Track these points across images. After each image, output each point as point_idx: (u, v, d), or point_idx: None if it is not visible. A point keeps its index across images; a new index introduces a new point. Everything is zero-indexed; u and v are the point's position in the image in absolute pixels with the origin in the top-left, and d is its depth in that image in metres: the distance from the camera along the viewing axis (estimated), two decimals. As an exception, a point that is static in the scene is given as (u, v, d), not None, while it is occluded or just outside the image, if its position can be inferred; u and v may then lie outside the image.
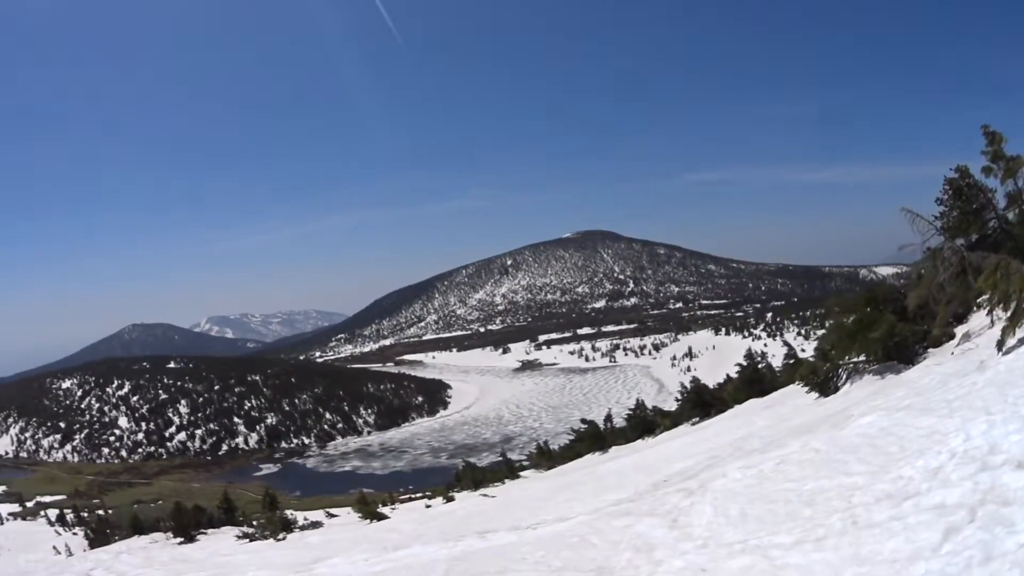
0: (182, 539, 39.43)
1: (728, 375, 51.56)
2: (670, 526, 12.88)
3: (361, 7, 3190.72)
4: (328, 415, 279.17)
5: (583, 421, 51.31)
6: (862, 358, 23.46)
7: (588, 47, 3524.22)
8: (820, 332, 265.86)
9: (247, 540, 34.02)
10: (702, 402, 40.53)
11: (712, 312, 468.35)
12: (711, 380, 49.59)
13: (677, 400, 48.69)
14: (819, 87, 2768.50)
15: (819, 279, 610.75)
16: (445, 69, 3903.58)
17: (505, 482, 43.97)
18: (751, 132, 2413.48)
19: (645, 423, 46.21)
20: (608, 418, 53.62)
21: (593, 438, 47.42)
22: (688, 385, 43.88)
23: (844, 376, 23.94)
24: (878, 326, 22.17)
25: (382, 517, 33.18)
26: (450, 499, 37.77)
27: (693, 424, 37.10)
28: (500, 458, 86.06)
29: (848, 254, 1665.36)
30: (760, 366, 44.74)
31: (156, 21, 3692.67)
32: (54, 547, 72.33)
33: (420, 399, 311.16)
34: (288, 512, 49.58)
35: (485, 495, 31.83)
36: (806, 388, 25.48)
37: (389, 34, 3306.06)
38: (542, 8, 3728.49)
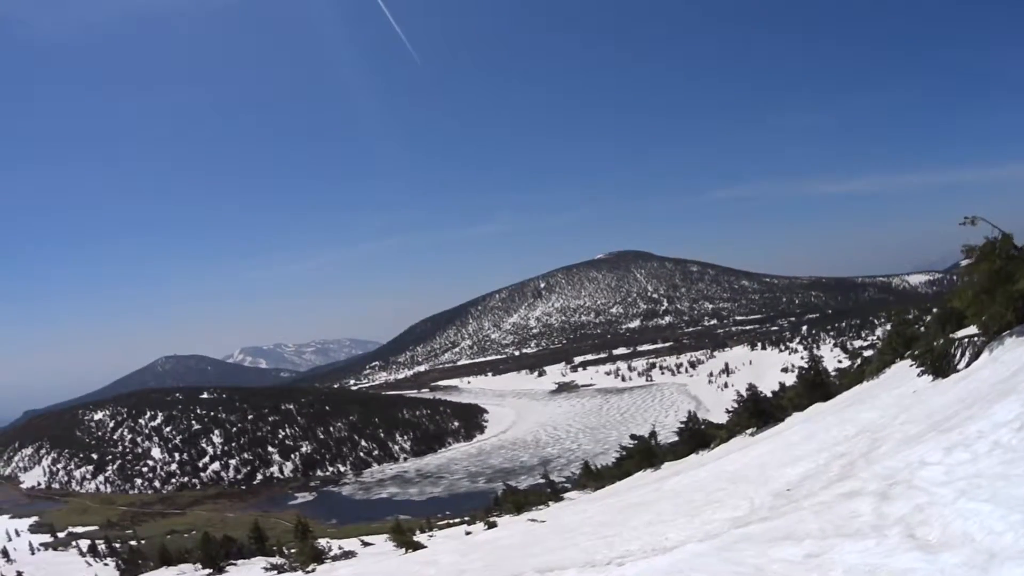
0: (211, 570, 37.78)
1: (782, 385, 49.02)
2: (909, 546, 8.86)
3: (377, 29, 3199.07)
4: (363, 442, 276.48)
5: (632, 437, 48.34)
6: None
7: (612, 63, 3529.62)
8: (857, 343, 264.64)
9: (275, 572, 32.06)
10: (759, 411, 37.67)
11: (747, 328, 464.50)
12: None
13: (727, 412, 45.85)
14: (837, 95, 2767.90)
15: (852, 290, 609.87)
16: (466, 89, 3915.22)
17: (550, 505, 41.34)
18: (773, 145, 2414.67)
19: (698, 436, 43.51)
20: (652, 435, 50.93)
21: (643, 454, 44.48)
22: (744, 394, 40.90)
23: (960, 352, 21.41)
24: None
25: (418, 546, 30.63)
26: (492, 524, 35.18)
27: (751, 435, 34.16)
28: (542, 480, 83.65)
29: (878, 264, 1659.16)
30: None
31: (186, 49, 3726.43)
32: (83, 577, 70.75)
33: (456, 424, 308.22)
34: (322, 541, 47.47)
35: (533, 520, 28.97)
36: (919, 369, 22.59)
37: (407, 55, 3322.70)
38: (565, 26, 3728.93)
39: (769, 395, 42.16)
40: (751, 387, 40.41)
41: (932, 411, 16.48)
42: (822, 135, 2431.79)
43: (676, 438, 51.08)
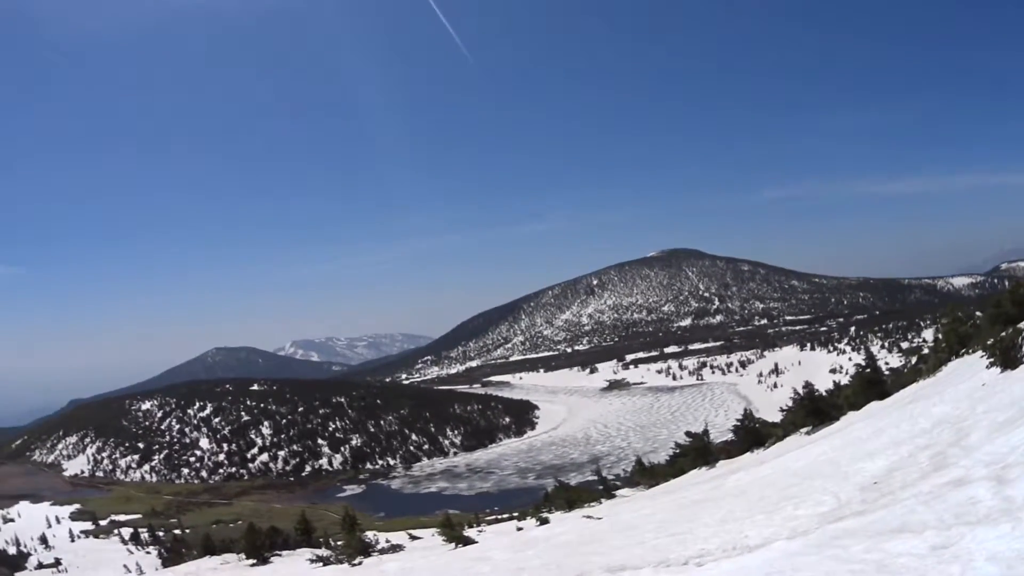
0: (255, 561, 36.93)
1: (836, 384, 47.91)
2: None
3: (428, 27, 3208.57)
4: (414, 436, 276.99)
5: (687, 434, 47.30)
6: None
7: (665, 61, 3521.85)
8: (904, 345, 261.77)
9: (320, 564, 31.21)
10: (815, 409, 36.54)
11: (796, 328, 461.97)
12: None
13: (781, 411, 44.78)
14: (886, 95, 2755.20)
15: (899, 292, 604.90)
16: (520, 87, 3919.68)
17: (602, 502, 40.44)
18: (823, 145, 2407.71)
19: (754, 434, 42.44)
20: (705, 433, 49.92)
21: (698, 452, 43.46)
22: (799, 392, 39.77)
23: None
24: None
25: (469, 541, 29.69)
26: (544, 521, 34.30)
27: (807, 434, 33.07)
28: (592, 477, 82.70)
29: (923, 266, 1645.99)
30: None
31: (241, 44, 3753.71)
32: (124, 566, 70.36)
33: (507, 420, 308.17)
34: (370, 534, 46.72)
35: (588, 516, 28.01)
36: (988, 361, 21.85)
37: (458, 52, 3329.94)
38: (617, 23, 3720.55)
39: (824, 394, 41.00)
40: (807, 385, 39.31)
41: (1016, 398, 15.80)
42: (871, 135, 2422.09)
43: (727, 437, 50.23)
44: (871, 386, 34.57)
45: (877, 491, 13.17)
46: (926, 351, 65.72)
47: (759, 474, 22.91)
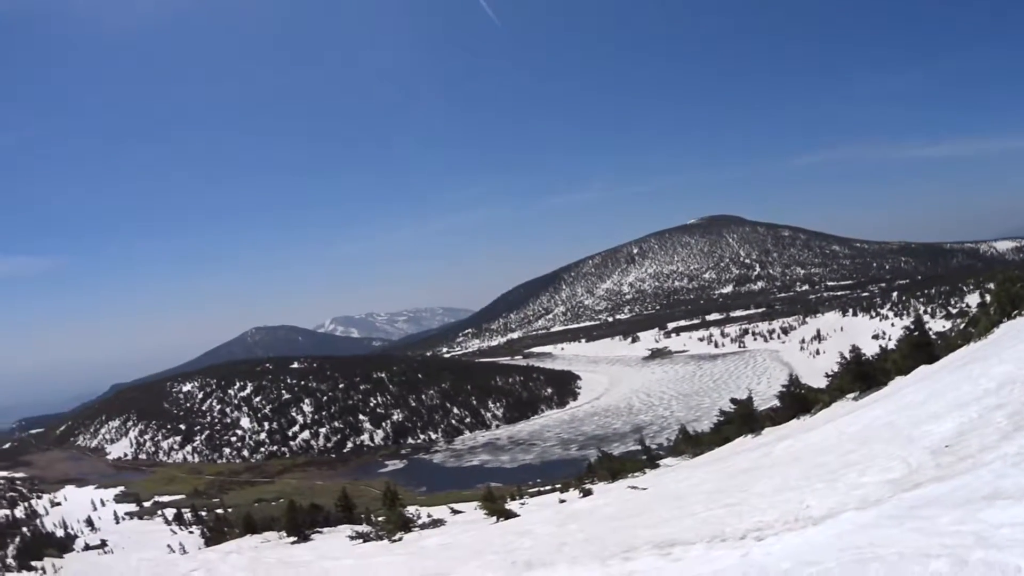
0: (295, 539, 36.60)
1: (883, 348, 46.87)
2: None
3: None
4: (456, 410, 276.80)
5: (732, 401, 46.44)
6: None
7: (703, 26, 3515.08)
8: (949, 310, 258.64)
9: (360, 540, 30.80)
10: (862, 374, 35.53)
11: (838, 293, 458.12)
12: (838, 363, 44.76)
13: (827, 376, 43.77)
14: (926, 56, 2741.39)
15: (940, 256, 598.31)
16: (551, 55, 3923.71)
17: (646, 472, 39.53)
18: (863, 108, 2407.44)
19: (800, 401, 41.49)
20: (749, 400, 48.98)
21: (743, 419, 42.57)
22: (846, 356, 38.71)
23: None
24: None
25: (510, 515, 29.05)
26: (587, 492, 33.59)
27: (855, 399, 32.12)
28: (635, 447, 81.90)
29: (966, 230, 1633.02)
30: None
31: (271, 33, 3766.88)
32: (168, 546, 70.37)
33: (549, 391, 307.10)
34: (411, 508, 46.82)
35: (633, 487, 27.19)
36: None
37: (487, 20, 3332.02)
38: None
39: (871, 358, 39.95)
40: (854, 349, 38.27)
41: None
42: (911, 97, 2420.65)
43: (771, 405, 49.34)
44: (920, 349, 33.54)
45: (952, 455, 12.08)
46: (975, 314, 64.64)
47: (810, 440, 21.95)
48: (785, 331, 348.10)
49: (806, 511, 12.20)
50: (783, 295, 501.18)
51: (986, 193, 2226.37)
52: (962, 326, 58.51)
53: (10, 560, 59.97)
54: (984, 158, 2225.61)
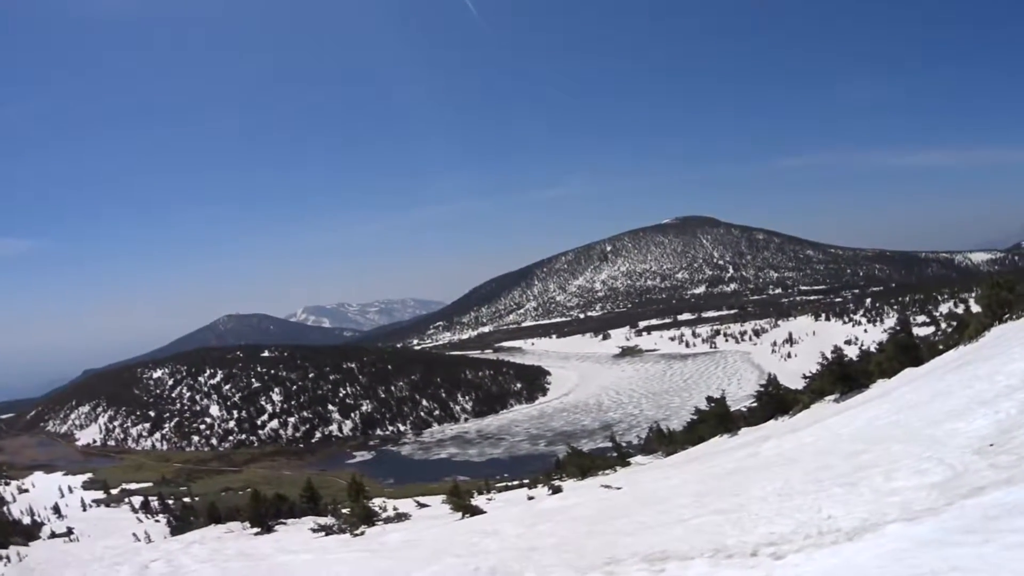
0: (258, 530, 35.66)
1: (865, 351, 46.40)
2: None
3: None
4: (425, 402, 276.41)
5: (708, 399, 45.66)
6: None
7: (680, 30, 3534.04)
8: (920, 318, 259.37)
9: (323, 533, 29.81)
10: (844, 376, 34.81)
11: (811, 298, 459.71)
12: (812, 365, 44.39)
13: (804, 378, 43.07)
14: (904, 67, 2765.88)
15: (915, 265, 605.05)
16: (534, 54, 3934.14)
17: (617, 470, 38.66)
18: (840, 115, 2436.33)
19: (777, 401, 40.74)
20: (724, 399, 48.28)
21: (720, 418, 41.82)
22: (828, 357, 37.99)
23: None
24: None
25: (477, 511, 28.16)
26: (556, 490, 32.50)
27: (836, 401, 31.38)
28: (604, 445, 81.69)
29: (941, 240, 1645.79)
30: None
31: (265, 28, 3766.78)
32: (134, 534, 69.22)
33: (519, 386, 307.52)
34: (377, 501, 46.47)
35: (607, 486, 26.16)
36: None
37: (467, 13, 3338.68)
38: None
39: (853, 360, 39.22)
40: (836, 349, 37.62)
41: None
42: (889, 107, 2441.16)
43: (741, 406, 48.83)
44: (905, 352, 32.86)
45: (1008, 453, 10.74)
46: (963, 317, 64.53)
47: (802, 440, 20.84)
48: (757, 333, 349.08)
49: (828, 522, 10.45)
50: (756, 298, 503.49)
51: (963, 204, 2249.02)
52: (948, 330, 58.23)
53: (-26, 548, 59.02)
54: (962, 169, 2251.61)
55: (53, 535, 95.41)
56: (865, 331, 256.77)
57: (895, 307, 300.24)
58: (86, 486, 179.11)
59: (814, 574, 8.56)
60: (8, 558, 47.50)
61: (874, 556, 8.26)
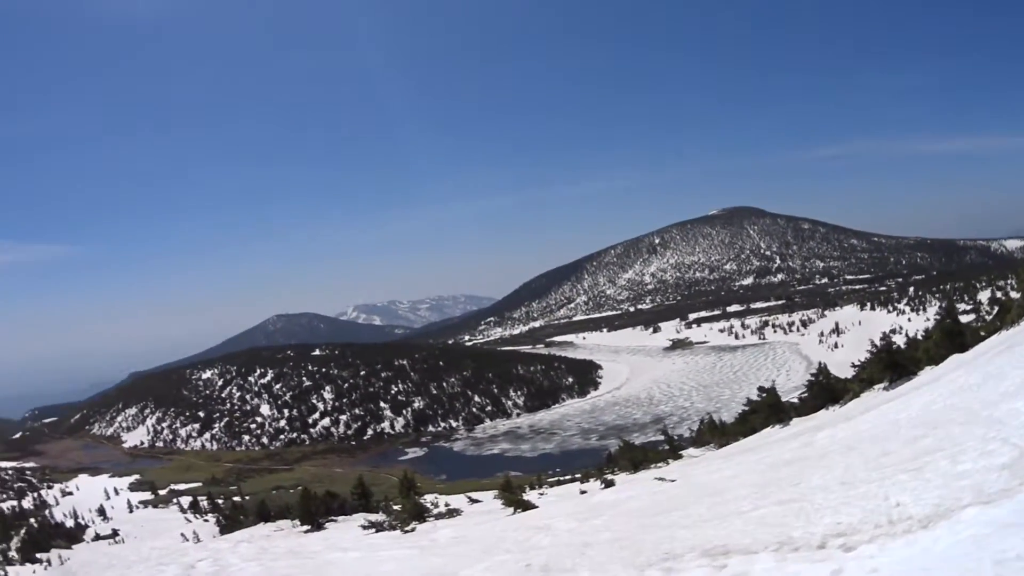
0: (308, 527, 35.60)
1: (912, 339, 45.73)
2: None
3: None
4: (476, 398, 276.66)
5: (760, 390, 45.14)
6: None
7: (721, 20, 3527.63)
8: (960, 306, 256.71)
9: (373, 530, 29.61)
10: (893, 363, 34.24)
11: (856, 287, 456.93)
12: (858, 355, 43.81)
13: (853, 367, 42.46)
14: (939, 54, 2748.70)
15: (955, 253, 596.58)
16: (579, 47, 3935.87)
17: (669, 462, 38.26)
18: (880, 103, 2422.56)
19: (828, 391, 40.16)
20: (775, 390, 47.72)
21: (771, 409, 41.32)
22: (877, 344, 37.36)
23: None
24: None
25: (529, 506, 27.84)
26: (609, 483, 32.27)
27: (886, 389, 30.82)
28: (657, 438, 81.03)
29: (978, 227, 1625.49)
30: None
31: (315, 28, 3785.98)
32: (182, 534, 69.73)
33: (570, 380, 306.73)
34: (429, 497, 45.98)
35: (661, 479, 25.82)
36: None
37: (512, 16, 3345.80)
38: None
39: (901, 347, 38.64)
40: (885, 337, 36.96)
41: None
42: (926, 93, 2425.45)
43: (791, 396, 48.42)
44: (952, 338, 32.31)
45: None
46: (1005, 303, 63.65)
47: (858, 428, 20.28)
48: (804, 324, 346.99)
49: (899, 510, 9.78)
50: (803, 288, 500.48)
51: (999, 191, 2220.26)
52: (988, 316, 57.84)
53: (13, 553, 59.39)
54: (996, 156, 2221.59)
55: (97, 537, 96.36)
56: (909, 320, 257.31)
57: (937, 295, 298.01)
58: (133, 488, 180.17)
59: (891, 566, 8.01)
60: (49, 561, 47.63)
61: (953, 543, 7.79)
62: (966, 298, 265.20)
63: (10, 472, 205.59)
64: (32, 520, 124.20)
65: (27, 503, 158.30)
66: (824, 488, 12.78)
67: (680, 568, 10.80)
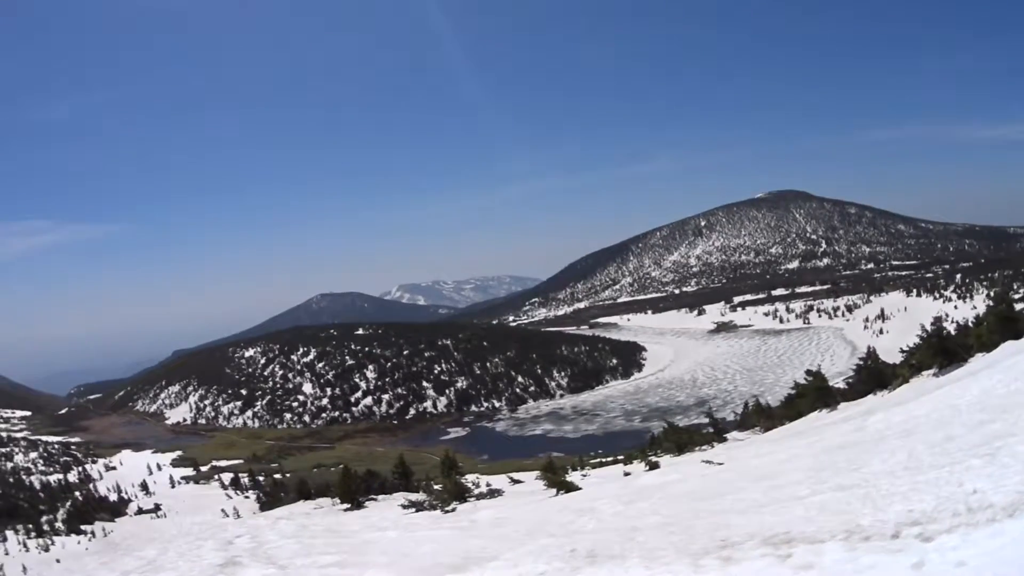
0: (348, 506, 35.50)
1: (967, 323, 44.89)
2: None
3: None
4: (520, 378, 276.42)
5: (807, 373, 44.46)
6: None
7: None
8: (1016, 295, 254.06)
9: (413, 510, 29.45)
10: (943, 349, 33.49)
11: (903, 273, 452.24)
12: (903, 342, 43.22)
13: (902, 352, 41.71)
14: (991, 36, 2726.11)
15: (1004, 240, 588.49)
16: (626, 28, 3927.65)
17: (714, 445, 38.00)
18: (928, 87, 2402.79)
19: (877, 376, 39.46)
20: (820, 373, 47.04)
21: (819, 393, 40.65)
22: (928, 329, 36.62)
23: None
24: None
25: (571, 488, 27.46)
26: (653, 465, 31.68)
27: (935, 375, 30.16)
28: (700, 420, 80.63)
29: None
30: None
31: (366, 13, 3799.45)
32: (222, 510, 70.15)
33: (615, 361, 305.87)
34: (470, 477, 45.18)
35: (708, 461, 25.31)
36: None
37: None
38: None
39: (951, 333, 37.87)
40: (936, 321, 36.23)
41: None
42: (977, 77, 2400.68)
43: (834, 381, 47.88)
44: (1006, 324, 31.54)
45: None
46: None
47: (912, 413, 19.63)
48: (849, 309, 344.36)
49: (977, 497, 9.10)
50: (848, 273, 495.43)
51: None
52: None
53: (59, 524, 59.94)
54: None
55: (140, 511, 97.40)
56: (955, 307, 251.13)
57: (984, 283, 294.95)
58: (175, 464, 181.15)
59: (979, 557, 7.37)
60: (93, 533, 47.98)
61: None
62: (1015, 286, 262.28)
63: (56, 447, 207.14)
64: (77, 493, 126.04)
65: (72, 477, 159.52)
66: (889, 473, 12.14)
67: (740, 557, 10.06)
